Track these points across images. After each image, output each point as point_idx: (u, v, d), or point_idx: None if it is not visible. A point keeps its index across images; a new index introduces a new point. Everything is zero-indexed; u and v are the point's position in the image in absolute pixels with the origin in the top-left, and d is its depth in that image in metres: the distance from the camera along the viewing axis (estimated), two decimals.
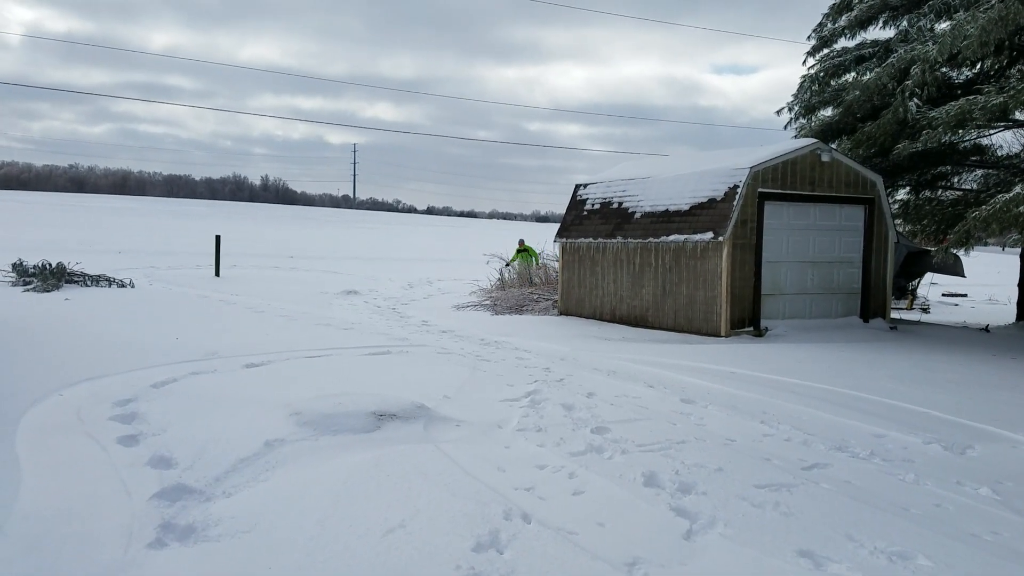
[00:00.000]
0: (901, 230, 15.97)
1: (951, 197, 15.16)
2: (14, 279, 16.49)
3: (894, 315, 14.91)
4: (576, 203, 15.44)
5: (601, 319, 14.25)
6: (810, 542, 3.95)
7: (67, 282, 16.45)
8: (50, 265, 16.89)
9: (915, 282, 18.05)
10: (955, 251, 14.07)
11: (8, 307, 12.70)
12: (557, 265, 16.34)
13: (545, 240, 20.70)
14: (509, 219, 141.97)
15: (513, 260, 20.90)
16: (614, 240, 13.88)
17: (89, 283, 16.78)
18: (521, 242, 21.11)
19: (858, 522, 4.24)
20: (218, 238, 23.26)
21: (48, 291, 15.37)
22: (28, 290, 15.34)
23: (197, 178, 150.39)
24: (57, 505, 4.19)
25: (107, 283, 17.00)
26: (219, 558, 3.63)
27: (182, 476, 4.67)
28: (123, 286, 17.03)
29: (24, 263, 17.16)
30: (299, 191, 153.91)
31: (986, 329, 14.16)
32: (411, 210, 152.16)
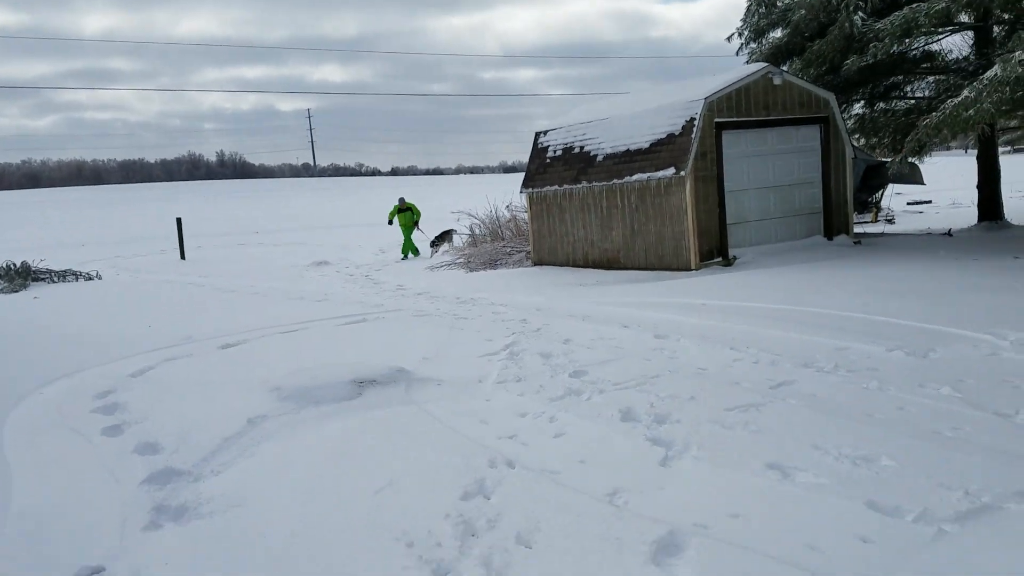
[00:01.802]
0: (859, 144, 16.14)
1: (905, 107, 15.33)
2: None
3: (858, 229, 15.18)
4: (538, 151, 15.42)
5: (575, 265, 14.37)
6: (778, 455, 4.14)
7: (34, 280, 16.28)
8: (15, 265, 16.67)
9: (877, 195, 18.31)
10: (911, 160, 14.28)
11: None
12: (526, 216, 16.38)
13: (512, 191, 20.65)
14: (477, 172, 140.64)
15: (391, 219, 20.11)
16: (579, 185, 13.92)
17: (56, 279, 16.62)
18: (401, 200, 20.06)
19: (824, 432, 4.44)
20: (179, 220, 22.98)
21: (16, 291, 15.20)
22: None
23: (152, 161, 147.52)
24: (50, 501, 4.26)
25: (74, 277, 16.84)
26: (214, 533, 3.74)
27: (169, 460, 4.76)
28: (90, 279, 16.88)
29: None
30: (257, 164, 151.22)
31: (949, 234, 14.48)
32: (375, 172, 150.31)
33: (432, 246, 19.38)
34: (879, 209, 19.38)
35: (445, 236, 19.62)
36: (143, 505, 4.11)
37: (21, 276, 16.14)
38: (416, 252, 19.68)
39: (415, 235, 19.90)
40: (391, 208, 20.42)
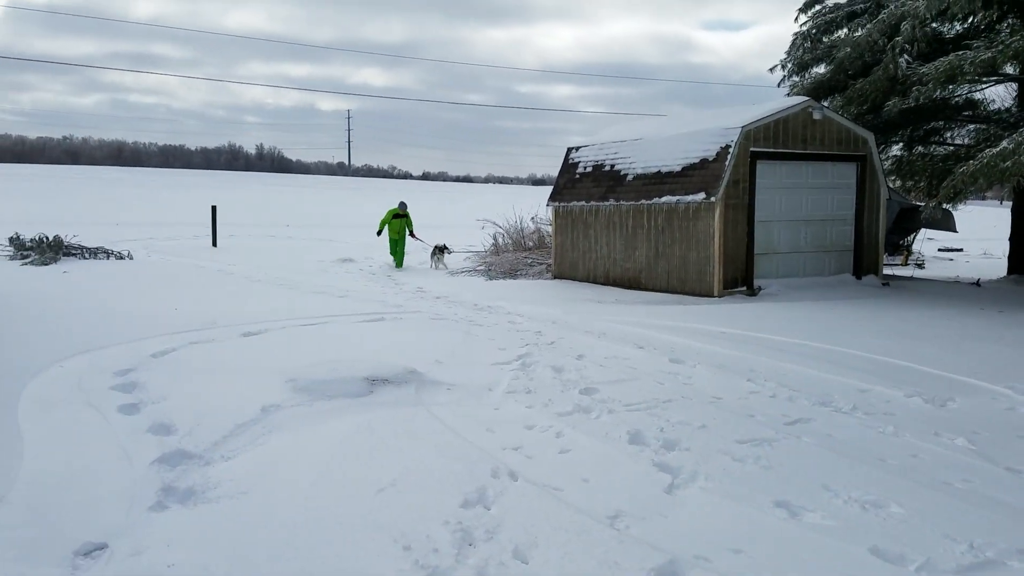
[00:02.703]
0: (895, 186, 15.99)
1: (943, 152, 15.17)
2: (12, 253, 16.58)
3: (888, 271, 15.01)
4: (568, 166, 15.45)
5: (595, 282, 14.35)
6: (787, 493, 4.10)
7: (65, 255, 16.55)
8: (47, 238, 16.97)
9: (910, 238, 18.10)
10: (945, 206, 14.12)
11: (6, 281, 12.81)
12: (550, 229, 16.40)
13: (538, 204, 20.67)
14: (505, 183, 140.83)
15: (382, 226, 18.49)
16: (607, 203, 13.92)
17: (87, 255, 16.87)
18: (403, 205, 18.57)
19: (835, 473, 4.39)
20: (214, 208, 23.28)
21: (46, 264, 15.47)
22: (26, 263, 15.44)
23: (192, 148, 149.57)
24: (59, 472, 4.33)
25: (105, 255, 17.09)
26: (219, 518, 3.78)
27: (181, 442, 4.82)
28: (121, 258, 17.13)
29: (21, 237, 17.24)
30: (294, 159, 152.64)
31: (977, 283, 14.27)
32: (407, 176, 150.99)
33: (432, 256, 18.21)
34: (910, 252, 19.15)
35: (441, 249, 18.30)
36: (152, 485, 4.16)
37: (52, 250, 16.42)
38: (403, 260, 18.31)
39: (409, 243, 18.68)
40: (384, 215, 18.63)
